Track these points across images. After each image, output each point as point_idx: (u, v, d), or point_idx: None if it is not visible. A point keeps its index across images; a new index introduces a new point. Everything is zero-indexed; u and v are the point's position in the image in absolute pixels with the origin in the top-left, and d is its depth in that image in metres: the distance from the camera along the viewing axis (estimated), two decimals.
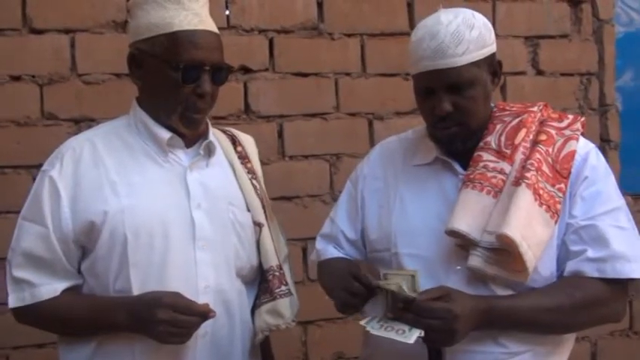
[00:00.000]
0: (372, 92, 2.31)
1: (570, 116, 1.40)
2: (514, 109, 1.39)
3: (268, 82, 2.23)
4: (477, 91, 1.30)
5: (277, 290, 1.41)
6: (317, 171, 2.27)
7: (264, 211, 1.46)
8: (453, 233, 1.27)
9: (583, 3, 2.52)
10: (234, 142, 1.52)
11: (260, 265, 1.44)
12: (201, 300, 1.30)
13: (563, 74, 2.51)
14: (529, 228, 1.22)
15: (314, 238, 2.21)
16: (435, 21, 1.32)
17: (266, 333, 1.41)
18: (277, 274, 1.42)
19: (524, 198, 1.24)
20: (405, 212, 1.36)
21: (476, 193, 1.28)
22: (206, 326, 1.30)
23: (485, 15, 1.40)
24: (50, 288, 1.32)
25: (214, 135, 1.47)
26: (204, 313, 1.26)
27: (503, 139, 1.32)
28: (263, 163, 2.19)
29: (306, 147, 2.26)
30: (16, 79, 2.04)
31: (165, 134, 1.37)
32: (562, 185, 1.29)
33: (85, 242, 1.33)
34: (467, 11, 1.34)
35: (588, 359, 2.61)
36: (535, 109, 1.38)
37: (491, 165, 1.30)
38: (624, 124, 2.63)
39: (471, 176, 1.30)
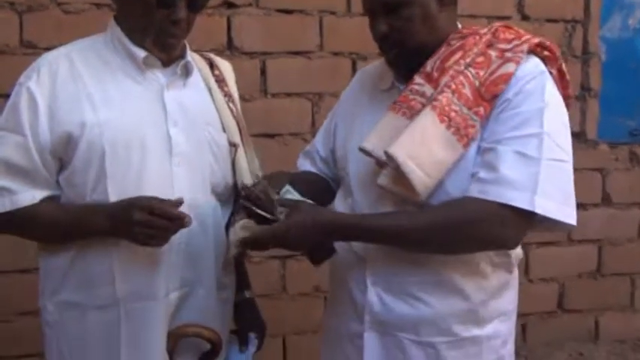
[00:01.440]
0: (356, 32, 2.29)
1: (528, 36, 1.30)
2: (465, 31, 1.34)
3: (252, 17, 2.21)
4: (413, 10, 1.27)
5: None
6: (299, 109, 2.29)
7: (240, 133, 1.48)
8: (362, 151, 1.31)
9: None
10: (212, 65, 1.52)
11: (235, 184, 1.47)
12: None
13: (548, 20, 2.51)
14: (422, 148, 1.22)
15: None
16: None
17: (239, 248, 1.45)
18: None
19: (424, 119, 1.24)
20: (359, 135, 1.38)
21: (393, 115, 1.29)
22: (180, 237, 1.33)
23: None
24: (29, 195, 1.33)
25: (192, 57, 1.47)
26: (179, 218, 1.27)
27: (438, 62, 1.29)
28: (245, 100, 2.21)
29: (288, 85, 2.27)
30: None
31: (141, 53, 1.36)
32: (480, 109, 1.24)
33: (62, 154, 1.34)
34: None
35: (556, 299, 2.73)
36: (484, 30, 1.32)
37: (416, 88, 1.29)
38: (606, 73, 2.65)
39: (397, 99, 1.31)
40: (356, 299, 1.36)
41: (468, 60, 1.27)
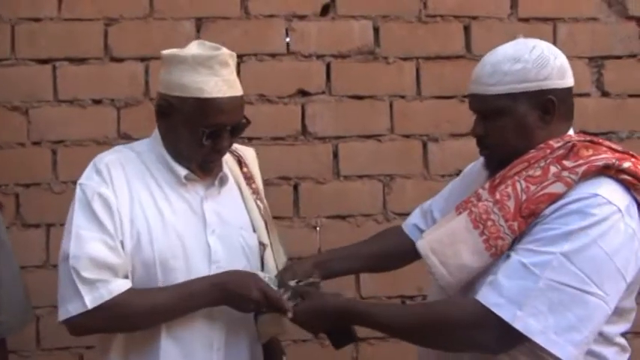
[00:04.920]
0: (426, 114, 2.34)
1: (605, 156, 1.23)
2: (551, 142, 1.29)
3: (325, 104, 2.32)
4: (506, 121, 1.30)
5: None
6: (370, 191, 2.33)
7: (267, 231, 1.61)
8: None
9: None
10: (240, 163, 1.66)
11: None
12: (215, 312, 1.49)
13: (631, 95, 2.42)
14: (449, 248, 1.26)
15: None
16: (496, 48, 1.36)
17: (266, 338, 1.58)
18: None
19: (458, 221, 1.28)
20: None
21: (454, 212, 1.34)
22: (221, 329, 1.49)
23: (545, 36, 1.38)
24: (122, 282, 1.40)
25: (224, 159, 1.60)
26: (280, 308, 1.43)
27: (506, 170, 1.31)
28: (318, 182, 2.30)
29: (360, 167, 2.33)
30: (98, 102, 2.27)
31: (182, 171, 1.52)
32: (515, 224, 1.22)
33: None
34: (530, 46, 1.31)
35: None
36: (558, 144, 1.28)
37: (479, 191, 1.33)
38: None
39: (464, 199, 1.37)
40: None
41: (529, 172, 1.26)
